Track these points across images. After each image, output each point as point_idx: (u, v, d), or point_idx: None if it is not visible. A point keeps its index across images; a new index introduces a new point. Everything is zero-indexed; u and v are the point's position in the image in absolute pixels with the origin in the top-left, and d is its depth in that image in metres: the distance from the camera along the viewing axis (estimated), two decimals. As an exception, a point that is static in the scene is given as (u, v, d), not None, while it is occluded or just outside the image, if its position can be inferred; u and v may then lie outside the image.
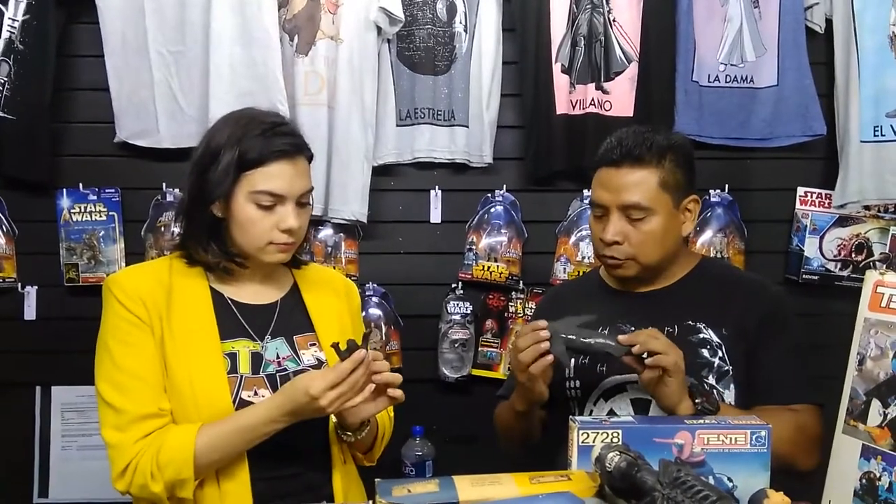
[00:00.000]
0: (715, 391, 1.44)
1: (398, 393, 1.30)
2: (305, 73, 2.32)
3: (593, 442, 1.16)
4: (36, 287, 2.42)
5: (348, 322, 1.49)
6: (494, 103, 2.42)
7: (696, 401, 1.32)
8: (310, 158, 1.38)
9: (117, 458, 1.24)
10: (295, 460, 1.33)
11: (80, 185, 2.39)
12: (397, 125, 2.43)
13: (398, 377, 1.30)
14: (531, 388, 1.39)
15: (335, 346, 1.24)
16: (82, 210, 2.40)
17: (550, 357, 1.33)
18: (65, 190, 2.39)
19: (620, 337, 1.32)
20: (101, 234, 2.40)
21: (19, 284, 2.41)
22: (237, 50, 2.26)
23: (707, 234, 2.44)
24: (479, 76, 2.39)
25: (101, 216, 2.40)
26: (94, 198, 2.40)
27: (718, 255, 2.41)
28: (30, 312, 2.42)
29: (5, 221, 2.38)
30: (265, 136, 1.30)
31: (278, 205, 1.31)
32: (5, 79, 2.27)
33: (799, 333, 1.52)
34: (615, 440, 1.16)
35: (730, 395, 1.46)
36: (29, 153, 2.32)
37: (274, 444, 1.27)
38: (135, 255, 2.39)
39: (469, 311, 2.44)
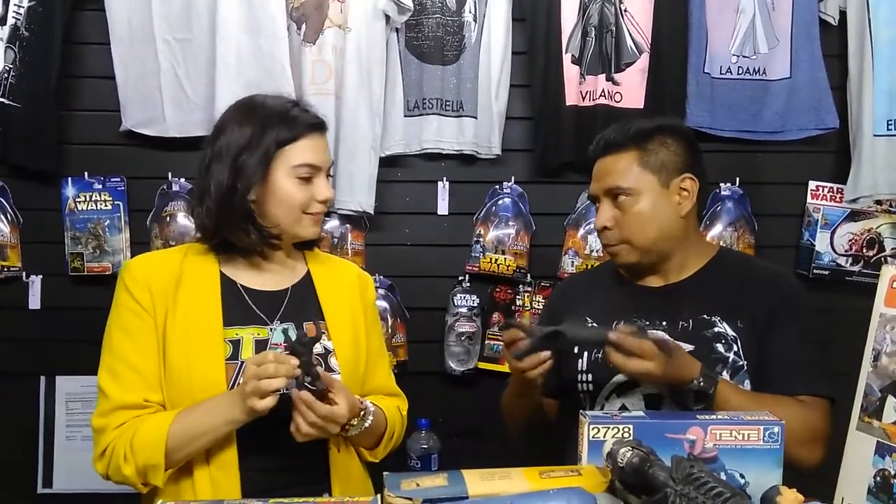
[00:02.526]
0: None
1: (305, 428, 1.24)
2: (313, 63, 2.30)
3: (604, 437, 1.14)
4: (40, 276, 2.41)
5: (361, 314, 1.48)
6: (503, 94, 2.40)
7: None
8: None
9: (98, 442, 1.28)
10: (288, 451, 1.30)
11: (86, 173, 2.38)
12: (405, 115, 2.41)
13: (304, 428, 1.23)
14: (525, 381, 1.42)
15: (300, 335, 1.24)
16: (87, 199, 2.38)
17: (547, 364, 1.36)
18: (70, 179, 2.38)
19: (610, 334, 1.32)
20: (106, 224, 2.38)
21: (24, 273, 2.40)
22: (244, 38, 2.24)
23: (717, 229, 2.42)
24: (488, 66, 2.36)
25: (106, 205, 2.39)
26: (100, 187, 2.38)
27: (733, 249, 2.39)
28: (34, 301, 2.41)
29: (10, 210, 2.37)
30: (292, 114, 1.36)
31: (314, 176, 1.37)
32: (10, 66, 2.26)
33: (813, 326, 1.50)
34: (626, 435, 1.14)
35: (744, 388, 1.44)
36: (34, 141, 2.31)
37: (267, 433, 1.27)
38: (140, 244, 2.38)
39: (476, 304, 2.42)
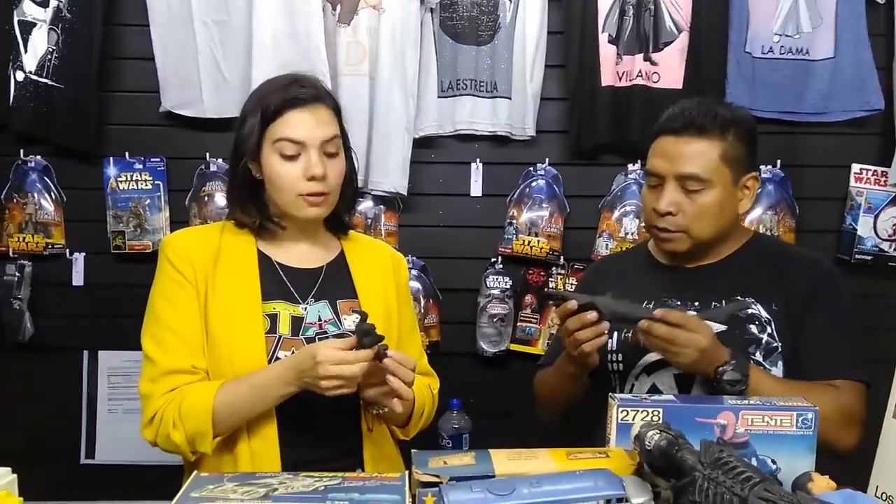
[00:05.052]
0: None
1: (398, 407, 1.29)
2: (347, 44, 2.30)
3: (632, 420, 1.13)
4: (84, 254, 2.47)
5: (393, 294, 1.49)
6: (538, 75, 2.37)
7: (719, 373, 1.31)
8: (335, 109, 1.40)
9: (147, 408, 1.29)
10: (325, 427, 1.34)
11: (127, 153, 2.43)
12: (439, 96, 2.40)
13: (410, 393, 1.29)
14: (584, 360, 1.39)
15: (362, 318, 1.25)
16: (129, 178, 2.43)
17: (605, 337, 1.34)
18: (112, 158, 2.42)
19: (656, 312, 1.30)
20: (146, 203, 2.43)
21: (68, 251, 2.46)
22: (280, 20, 2.25)
23: (757, 212, 2.37)
24: (522, 47, 2.34)
25: (146, 185, 2.43)
26: (140, 167, 2.43)
27: (769, 234, 2.34)
28: (78, 278, 2.47)
29: (54, 189, 2.44)
30: (284, 90, 1.35)
31: (302, 153, 1.34)
32: (53, 48, 2.31)
33: (850, 311, 1.47)
34: (655, 418, 1.13)
35: (777, 372, 1.42)
36: (77, 122, 2.36)
37: (304, 410, 1.29)
38: (179, 223, 2.42)
39: (508, 286, 2.42)
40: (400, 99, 2.31)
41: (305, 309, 1.37)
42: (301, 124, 1.33)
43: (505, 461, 1.05)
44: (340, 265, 1.46)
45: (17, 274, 2.41)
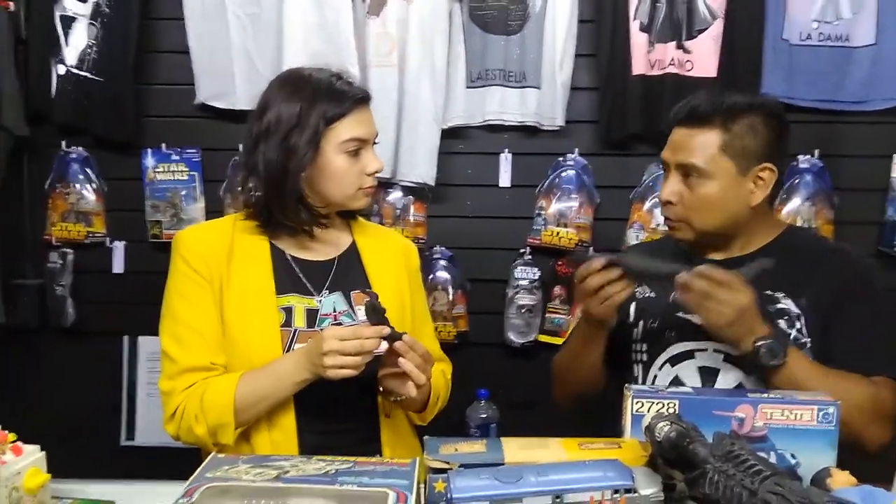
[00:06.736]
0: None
1: (412, 391, 1.30)
2: (377, 35, 2.31)
3: (647, 411, 1.13)
4: (124, 242, 2.54)
5: (405, 282, 1.50)
6: (568, 64, 2.35)
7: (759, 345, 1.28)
8: None
9: (168, 404, 1.32)
10: (342, 414, 1.36)
11: (164, 145, 2.48)
12: (467, 87, 2.39)
13: (421, 377, 1.28)
14: (605, 316, 1.40)
15: (372, 300, 1.26)
16: (165, 169, 2.49)
17: (631, 289, 1.37)
18: (149, 150, 2.48)
19: (699, 267, 1.29)
20: (182, 193, 2.49)
21: (108, 239, 2.53)
22: (310, 11, 2.27)
23: (794, 203, 2.31)
24: (552, 36, 2.32)
25: (182, 175, 2.49)
26: (177, 158, 2.48)
27: (805, 225, 2.29)
28: (118, 266, 2.54)
29: (95, 179, 2.51)
30: (338, 88, 1.36)
31: (362, 150, 1.38)
32: (93, 42, 2.37)
33: (886, 308, 1.43)
34: (671, 410, 1.12)
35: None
36: (115, 114, 2.42)
37: (322, 398, 1.31)
38: (214, 213, 2.46)
39: (537, 277, 2.41)
40: (428, 90, 2.32)
41: (320, 301, 1.39)
42: (364, 122, 1.38)
43: (515, 450, 1.06)
44: (352, 256, 1.47)
45: (60, 261, 2.49)
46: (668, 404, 1.13)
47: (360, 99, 1.38)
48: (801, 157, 2.31)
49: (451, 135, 2.41)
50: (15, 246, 2.49)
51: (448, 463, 1.02)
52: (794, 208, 2.31)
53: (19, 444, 1.05)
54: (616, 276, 1.34)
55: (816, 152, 2.32)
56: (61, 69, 2.39)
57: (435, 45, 2.30)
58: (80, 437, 2.43)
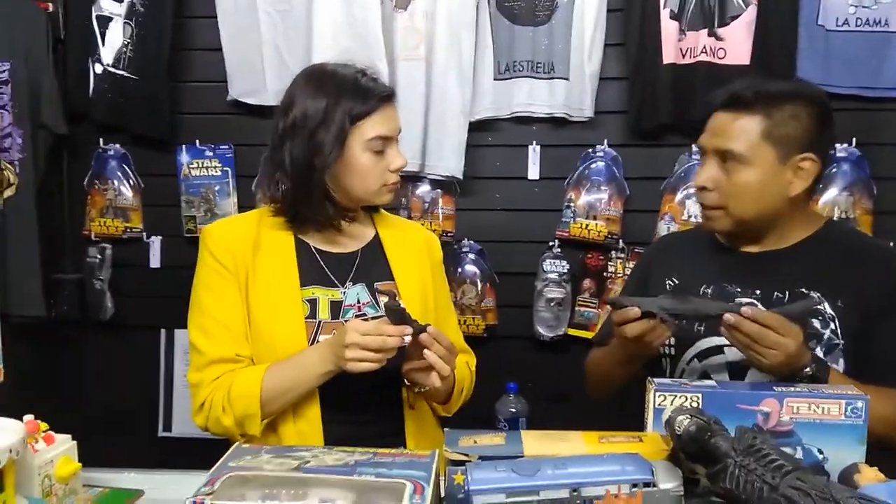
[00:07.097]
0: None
1: (437, 382, 1.29)
2: (404, 28, 2.32)
3: (670, 405, 1.12)
4: (160, 237, 2.60)
5: (428, 273, 1.50)
6: (597, 54, 2.33)
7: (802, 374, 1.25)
8: None
9: (196, 396, 1.35)
10: (367, 405, 1.37)
11: (198, 141, 2.53)
12: (495, 79, 2.39)
13: (446, 369, 1.28)
14: (643, 353, 1.39)
15: (391, 300, 1.27)
16: (200, 165, 2.54)
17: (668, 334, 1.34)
18: (184, 146, 2.54)
19: (745, 310, 1.24)
20: (216, 189, 2.54)
21: (145, 234, 2.60)
22: (338, 7, 2.29)
23: (831, 193, 2.26)
24: (581, 26, 2.30)
25: (216, 171, 2.54)
26: (210, 154, 2.54)
27: (843, 216, 2.23)
28: (155, 260, 2.61)
29: (132, 175, 2.57)
30: (363, 85, 1.35)
31: (386, 146, 1.38)
32: (128, 40, 2.43)
33: None
34: (694, 404, 1.11)
35: (838, 369, 1.34)
36: (151, 111, 2.48)
37: (347, 389, 1.31)
38: (247, 208, 2.47)
39: (566, 270, 2.40)
40: (456, 82, 2.32)
41: (344, 293, 1.40)
42: (389, 119, 1.37)
43: (534, 442, 1.06)
44: (376, 248, 1.48)
45: (99, 256, 2.56)
46: (690, 398, 1.12)
47: (386, 96, 1.37)
48: (838, 146, 2.25)
49: (478, 127, 2.41)
50: (55, 241, 2.57)
51: (467, 455, 1.02)
52: (832, 198, 2.26)
53: (51, 433, 1.08)
54: (653, 325, 1.31)
55: (854, 141, 2.26)
56: (98, 68, 2.46)
57: (462, 37, 2.30)
58: (118, 428, 2.50)
